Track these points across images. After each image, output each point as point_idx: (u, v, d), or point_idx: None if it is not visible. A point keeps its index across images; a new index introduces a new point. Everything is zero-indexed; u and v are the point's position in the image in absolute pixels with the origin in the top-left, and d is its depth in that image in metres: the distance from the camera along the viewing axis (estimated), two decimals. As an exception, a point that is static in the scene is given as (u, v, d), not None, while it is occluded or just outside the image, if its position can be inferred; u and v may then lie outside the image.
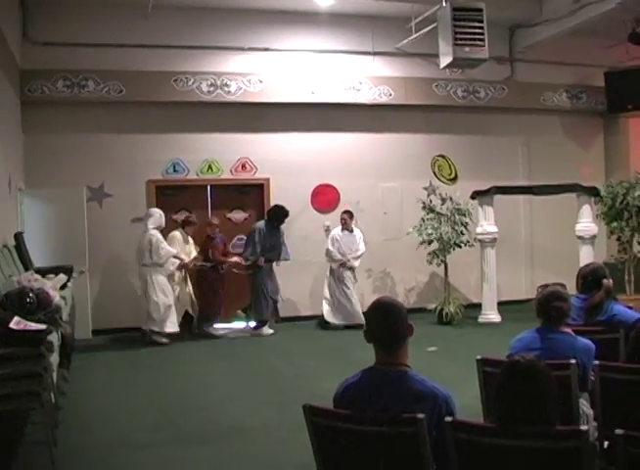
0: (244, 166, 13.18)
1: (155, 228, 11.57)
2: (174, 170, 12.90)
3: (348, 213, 12.75)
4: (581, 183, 13.02)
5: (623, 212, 12.66)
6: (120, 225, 12.55)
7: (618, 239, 13.00)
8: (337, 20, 13.24)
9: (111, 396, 8.42)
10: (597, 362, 4.67)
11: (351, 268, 12.63)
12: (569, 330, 5.08)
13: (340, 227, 12.71)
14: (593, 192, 12.84)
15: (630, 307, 6.51)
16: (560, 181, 13.17)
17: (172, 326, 11.48)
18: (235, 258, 12.42)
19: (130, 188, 12.66)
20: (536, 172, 14.69)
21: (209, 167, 13.05)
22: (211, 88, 12.74)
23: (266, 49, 13.12)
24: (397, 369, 3.58)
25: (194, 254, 12.14)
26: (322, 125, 13.51)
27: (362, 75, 13.54)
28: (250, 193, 13.37)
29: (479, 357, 4.82)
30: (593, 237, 12.75)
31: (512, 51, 14.84)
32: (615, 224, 12.82)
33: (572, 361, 4.64)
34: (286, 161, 13.26)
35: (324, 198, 13.47)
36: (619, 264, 12.99)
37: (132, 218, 12.65)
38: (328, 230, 13.09)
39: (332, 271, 12.61)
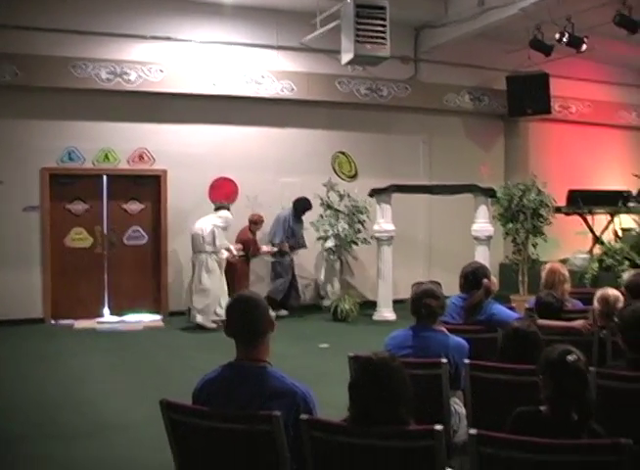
0: (141, 157, 12.89)
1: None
2: (70, 159, 12.51)
3: None
4: (479, 184, 13.16)
5: (519, 214, 12.83)
6: (11, 213, 12.14)
7: (514, 240, 13.17)
8: (241, 12, 13.08)
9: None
10: (467, 361, 4.68)
11: None
12: (442, 328, 5.09)
13: None
14: (490, 193, 12.98)
15: (512, 308, 6.59)
16: (460, 181, 13.31)
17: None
18: (265, 248, 12.98)
19: (23, 175, 12.24)
20: (437, 172, 14.82)
21: (106, 157, 12.70)
22: (110, 76, 12.40)
23: (168, 38, 12.86)
24: (257, 365, 3.52)
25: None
26: (223, 118, 13.31)
27: (265, 69, 13.41)
28: (146, 184, 13.04)
29: (351, 354, 4.77)
30: (489, 238, 12.89)
31: (417, 51, 14.92)
32: (510, 226, 12.98)
33: (444, 360, 4.65)
34: (184, 152, 13.00)
35: (222, 191, 13.26)
36: (514, 266, 13.20)
37: (25, 207, 12.28)
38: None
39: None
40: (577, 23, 12.60)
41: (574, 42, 12.86)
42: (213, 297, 11.75)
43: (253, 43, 13.41)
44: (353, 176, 14.42)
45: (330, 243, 12.96)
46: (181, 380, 8.00)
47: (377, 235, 12.79)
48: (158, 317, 12.80)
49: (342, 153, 14.38)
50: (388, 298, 12.86)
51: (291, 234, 13.02)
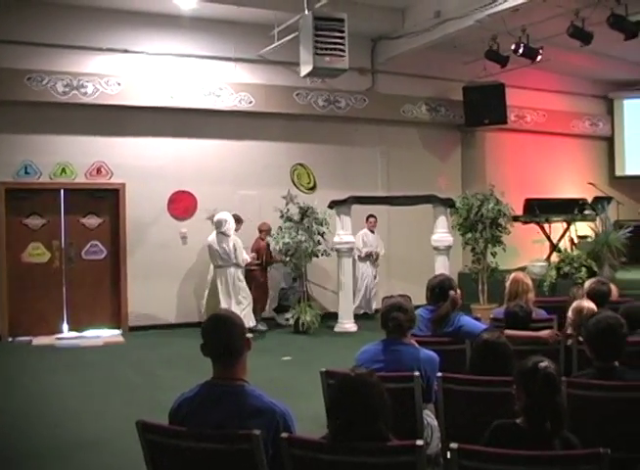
0: (99, 171, 12.75)
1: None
2: (26, 173, 12.34)
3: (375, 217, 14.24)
4: (438, 194, 13.24)
5: (478, 224, 12.94)
6: (-33, 229, 11.98)
7: (473, 250, 13.28)
8: (199, 24, 13.02)
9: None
10: (440, 374, 4.70)
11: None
12: (412, 341, 5.09)
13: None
14: (449, 203, 13.06)
15: (478, 318, 6.62)
16: (418, 192, 13.37)
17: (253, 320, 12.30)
18: (278, 256, 13.10)
19: (-22, 190, 12.09)
20: (395, 183, 14.87)
21: (63, 171, 12.54)
22: (67, 89, 12.27)
23: (126, 51, 12.77)
24: (234, 384, 3.50)
25: None
26: (181, 131, 13.24)
27: (223, 81, 13.37)
28: (104, 198, 12.92)
29: (323, 370, 4.77)
30: (448, 247, 12.94)
31: (374, 62, 15.00)
32: (469, 235, 13.09)
33: (416, 373, 4.66)
34: (143, 166, 12.90)
35: (181, 204, 13.22)
36: (474, 275, 13.29)
37: (-19, 222, 12.12)
38: (185, 237, 13.05)
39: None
40: (532, 34, 12.80)
41: (530, 53, 13.04)
42: (247, 304, 12.22)
43: (211, 55, 13.38)
44: (312, 188, 14.42)
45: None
46: (149, 397, 8.03)
47: (337, 247, 12.81)
48: (117, 332, 12.67)
49: (301, 165, 14.37)
50: (349, 309, 12.88)
51: None
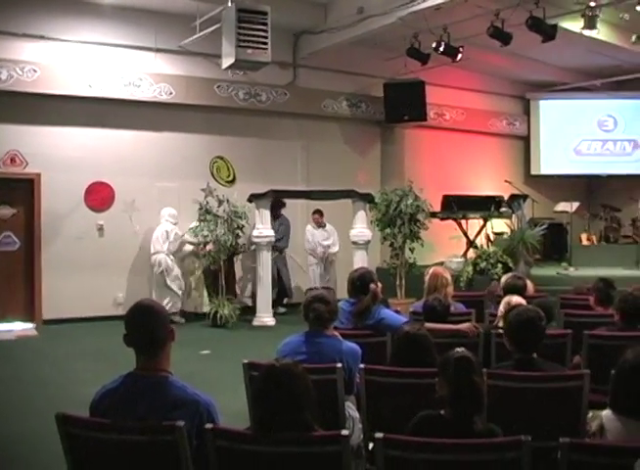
0: (13, 160, 12.39)
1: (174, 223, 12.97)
2: None
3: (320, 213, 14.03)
4: (357, 190, 13.31)
5: (396, 219, 13.05)
6: None
7: (391, 245, 13.38)
8: (120, 13, 12.82)
9: None
10: (362, 366, 4.71)
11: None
12: (335, 333, 5.11)
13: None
14: (368, 198, 13.16)
15: (398, 311, 6.67)
16: (338, 187, 13.46)
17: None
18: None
19: None
20: (315, 177, 14.90)
21: (-25, 159, 12.24)
22: (-21, 75, 11.97)
23: (43, 37, 12.43)
24: (157, 375, 3.44)
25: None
26: (99, 121, 12.94)
27: (143, 72, 13.17)
28: (18, 188, 12.55)
29: (245, 361, 4.74)
30: (367, 242, 13.08)
31: (296, 57, 14.99)
32: (388, 230, 13.19)
33: (338, 365, 4.66)
34: (59, 156, 12.58)
35: (98, 196, 12.95)
36: (392, 269, 13.38)
37: None
38: (102, 229, 12.85)
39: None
40: (453, 33, 12.97)
41: (450, 51, 13.20)
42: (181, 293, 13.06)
43: (132, 45, 13.17)
44: (232, 181, 14.33)
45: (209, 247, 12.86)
46: (67, 391, 7.87)
47: (256, 240, 12.76)
48: (30, 326, 12.37)
49: (221, 158, 14.26)
50: (267, 303, 12.85)
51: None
